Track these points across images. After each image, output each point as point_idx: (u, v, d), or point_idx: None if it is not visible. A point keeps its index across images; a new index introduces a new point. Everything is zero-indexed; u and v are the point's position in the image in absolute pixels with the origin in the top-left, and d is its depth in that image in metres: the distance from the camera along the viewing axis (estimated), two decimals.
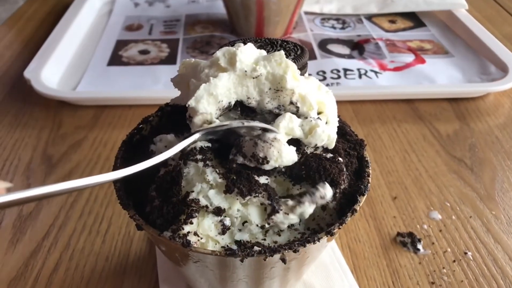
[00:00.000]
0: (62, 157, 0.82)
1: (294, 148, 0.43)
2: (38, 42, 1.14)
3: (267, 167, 0.42)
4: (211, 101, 0.42)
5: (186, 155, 0.42)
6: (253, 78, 0.44)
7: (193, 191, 0.40)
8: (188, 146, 0.42)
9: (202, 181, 0.41)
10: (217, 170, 0.42)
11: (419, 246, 0.65)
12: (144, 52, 1.14)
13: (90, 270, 0.63)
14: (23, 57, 1.13)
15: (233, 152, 0.42)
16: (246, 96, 0.45)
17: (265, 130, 0.43)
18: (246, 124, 0.42)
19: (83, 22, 1.25)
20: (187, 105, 0.42)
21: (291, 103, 0.45)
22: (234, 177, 0.41)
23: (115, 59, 1.11)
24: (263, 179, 0.42)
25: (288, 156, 0.42)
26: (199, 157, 0.42)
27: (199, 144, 0.43)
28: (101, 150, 0.84)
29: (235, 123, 0.42)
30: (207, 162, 0.42)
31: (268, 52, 0.49)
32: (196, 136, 0.42)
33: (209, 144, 0.44)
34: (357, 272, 0.63)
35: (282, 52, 0.45)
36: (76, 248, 0.66)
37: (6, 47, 1.19)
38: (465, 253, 0.65)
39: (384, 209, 0.72)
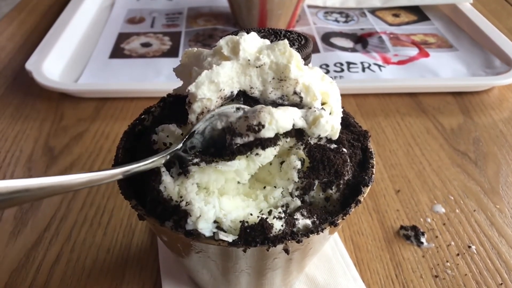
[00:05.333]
0: (63, 149, 0.82)
1: (287, 110, 0.42)
2: (40, 35, 1.13)
3: (266, 133, 0.40)
4: (212, 89, 0.42)
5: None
6: (257, 67, 0.43)
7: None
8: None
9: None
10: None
11: (423, 240, 0.65)
12: (146, 45, 1.14)
13: (91, 262, 0.62)
14: (25, 49, 1.12)
15: (228, 139, 0.41)
16: (249, 86, 0.44)
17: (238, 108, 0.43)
18: (217, 111, 0.42)
19: (85, 15, 1.24)
20: (187, 90, 0.42)
21: (295, 93, 0.44)
22: (249, 238, 0.39)
23: (117, 52, 1.10)
24: (270, 152, 0.41)
25: (282, 118, 0.41)
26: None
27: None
28: (102, 142, 0.83)
29: (207, 117, 0.42)
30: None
31: (271, 41, 0.48)
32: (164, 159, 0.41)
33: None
34: (360, 265, 0.62)
35: (286, 41, 0.44)
36: (78, 240, 0.65)
37: (8, 39, 1.18)
38: (469, 247, 0.65)
39: (387, 202, 0.72)
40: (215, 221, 0.39)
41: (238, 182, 0.44)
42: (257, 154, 0.41)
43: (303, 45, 0.50)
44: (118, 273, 0.61)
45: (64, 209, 0.70)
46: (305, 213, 0.42)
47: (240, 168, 0.41)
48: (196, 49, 0.47)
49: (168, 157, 0.41)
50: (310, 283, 0.59)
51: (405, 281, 0.60)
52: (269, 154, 0.41)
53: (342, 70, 1.02)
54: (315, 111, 0.44)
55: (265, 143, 0.40)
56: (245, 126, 0.40)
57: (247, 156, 0.41)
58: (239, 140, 0.40)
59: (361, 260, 0.63)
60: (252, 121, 0.40)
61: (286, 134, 0.42)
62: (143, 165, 0.39)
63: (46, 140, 0.84)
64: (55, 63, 1.01)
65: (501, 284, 0.60)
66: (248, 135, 0.40)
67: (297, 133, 0.44)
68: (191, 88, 0.41)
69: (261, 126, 0.40)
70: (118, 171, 0.37)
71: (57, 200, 0.71)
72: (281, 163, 0.44)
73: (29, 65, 0.97)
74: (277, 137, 0.41)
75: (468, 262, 0.63)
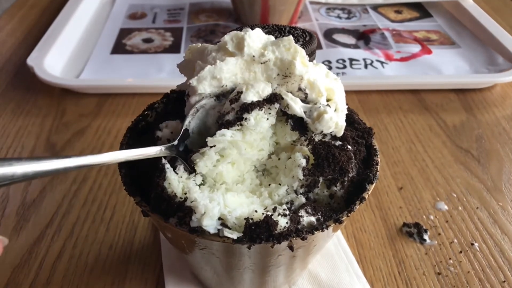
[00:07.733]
0: (65, 145, 0.82)
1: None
2: (41, 30, 1.13)
3: (246, 97, 0.41)
4: (213, 84, 0.42)
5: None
6: (261, 63, 0.43)
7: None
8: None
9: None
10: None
11: (426, 237, 0.65)
12: (147, 40, 1.13)
13: (93, 258, 0.62)
14: (26, 45, 1.12)
15: (219, 123, 0.42)
16: None
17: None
18: (199, 104, 0.43)
19: (86, 10, 1.23)
20: (188, 83, 0.42)
21: (300, 89, 0.44)
22: (254, 235, 0.39)
23: (119, 48, 1.10)
24: (260, 116, 0.42)
25: (257, 83, 0.42)
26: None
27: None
28: (104, 138, 0.83)
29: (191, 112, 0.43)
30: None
31: (276, 38, 0.48)
32: (158, 152, 0.41)
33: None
34: (363, 262, 0.62)
35: (291, 37, 0.44)
36: (80, 236, 0.65)
37: (9, 35, 1.18)
38: (472, 244, 0.65)
39: (390, 199, 0.72)
40: (219, 218, 0.39)
41: (255, 169, 0.44)
42: (245, 119, 0.41)
43: (308, 41, 0.50)
44: (121, 270, 0.61)
45: (66, 205, 0.70)
46: (309, 210, 0.41)
47: (236, 138, 0.41)
48: (200, 44, 0.47)
49: (163, 149, 0.41)
50: (313, 280, 0.59)
51: (408, 278, 0.60)
52: (260, 119, 0.42)
53: (345, 67, 1.02)
54: (319, 107, 0.44)
55: (249, 107, 0.41)
56: (228, 103, 0.42)
57: (239, 125, 0.41)
58: (227, 117, 0.42)
59: (364, 257, 0.63)
60: (233, 95, 0.42)
61: (272, 100, 0.42)
62: (136, 154, 0.39)
63: (47, 136, 0.84)
64: (57, 58, 1.01)
65: (504, 281, 0.60)
66: (233, 107, 0.41)
67: (299, 126, 0.44)
68: (193, 81, 0.42)
69: (239, 93, 0.42)
70: (110, 155, 0.37)
71: (59, 197, 0.71)
72: (289, 159, 0.44)
73: (31, 60, 0.96)
74: (261, 101, 0.42)
75: (471, 260, 0.63)
